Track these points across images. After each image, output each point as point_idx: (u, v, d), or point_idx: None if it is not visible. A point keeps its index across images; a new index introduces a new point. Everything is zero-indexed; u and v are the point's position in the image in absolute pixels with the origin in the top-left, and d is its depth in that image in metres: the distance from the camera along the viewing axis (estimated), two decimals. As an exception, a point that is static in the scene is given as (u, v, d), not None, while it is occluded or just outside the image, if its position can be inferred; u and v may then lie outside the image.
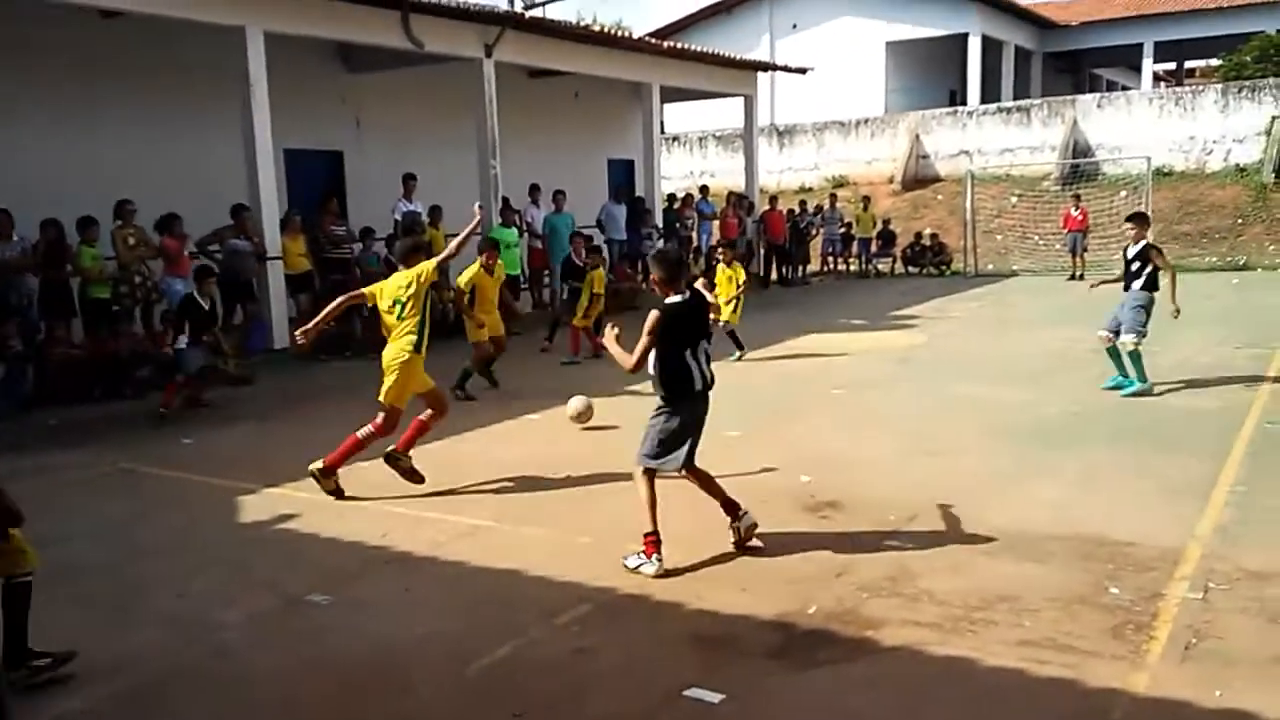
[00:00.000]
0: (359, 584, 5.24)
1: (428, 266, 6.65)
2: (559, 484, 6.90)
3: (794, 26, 33.12)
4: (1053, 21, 34.78)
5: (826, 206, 22.44)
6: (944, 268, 22.47)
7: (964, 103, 31.48)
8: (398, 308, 6.62)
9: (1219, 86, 26.13)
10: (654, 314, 5.23)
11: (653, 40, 20.27)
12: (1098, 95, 28.55)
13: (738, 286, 12.00)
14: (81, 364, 10.42)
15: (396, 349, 6.68)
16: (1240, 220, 22.87)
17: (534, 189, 16.34)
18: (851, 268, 23.05)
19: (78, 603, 5.02)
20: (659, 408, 5.42)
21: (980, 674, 4.06)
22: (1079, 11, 35.39)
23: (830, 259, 22.78)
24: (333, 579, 5.27)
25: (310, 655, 4.43)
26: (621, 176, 21.17)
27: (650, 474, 5.37)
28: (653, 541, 5.24)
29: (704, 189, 21.91)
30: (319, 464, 6.66)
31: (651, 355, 5.28)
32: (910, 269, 22.66)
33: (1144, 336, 9.15)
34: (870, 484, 6.62)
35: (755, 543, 5.52)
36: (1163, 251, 9.39)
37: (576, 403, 7.87)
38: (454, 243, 6.91)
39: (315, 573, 5.37)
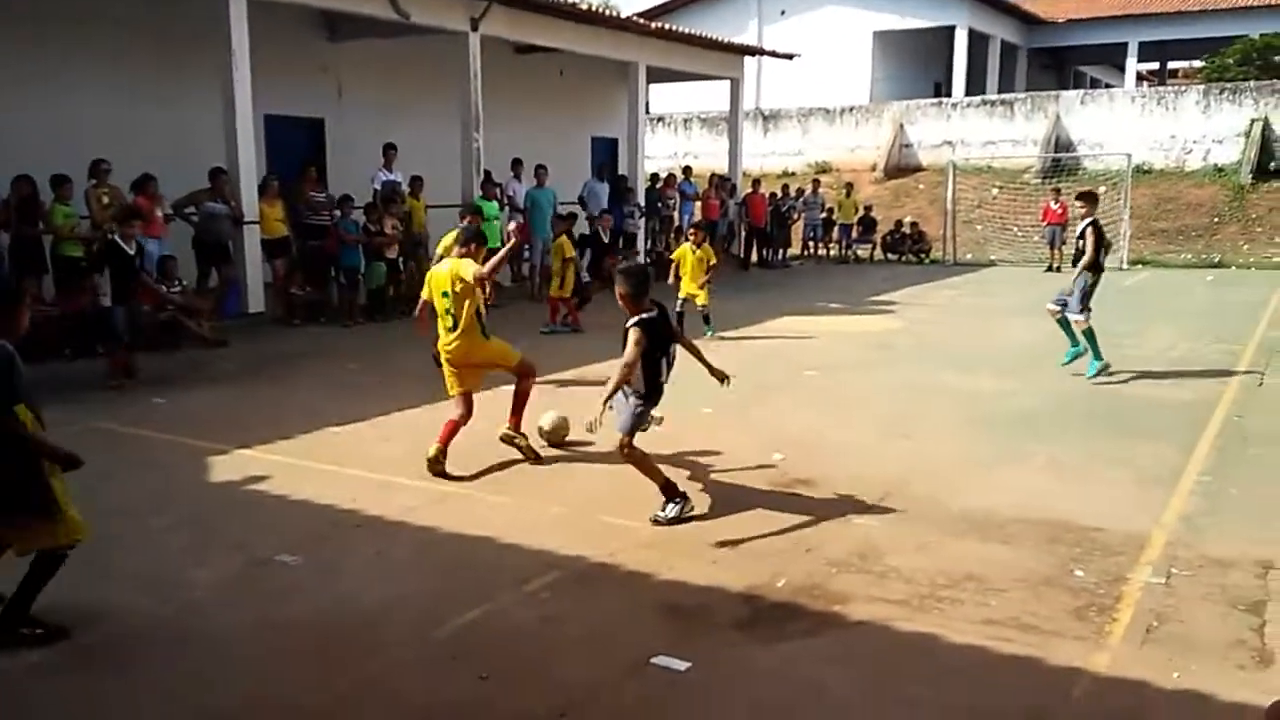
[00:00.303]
0: (329, 546, 5.22)
1: (467, 276, 6.35)
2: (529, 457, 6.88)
3: (782, 13, 33.05)
4: (1039, 18, 34.89)
5: (809, 191, 22.47)
6: (923, 256, 22.58)
7: (949, 94, 31.57)
8: (447, 300, 6.43)
9: (1201, 88, 26.32)
10: (636, 330, 5.60)
11: (640, 20, 20.16)
12: (1081, 92, 28.70)
13: (707, 269, 11.93)
14: (52, 322, 10.30)
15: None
16: (1217, 219, 23.10)
17: (516, 163, 16.24)
18: (832, 253, 23.12)
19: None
20: (636, 399, 5.74)
21: (945, 650, 4.10)
22: (1065, 9, 35.50)
23: (811, 243, 22.85)
24: (303, 541, 5.25)
25: (279, 615, 4.42)
26: (605, 154, 21.10)
27: (631, 444, 5.68)
28: (668, 487, 5.66)
29: (687, 169, 21.87)
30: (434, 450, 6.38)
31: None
32: (890, 256, 22.76)
33: (1089, 314, 9.49)
34: (842, 464, 6.66)
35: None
36: (1098, 229, 9.64)
37: (550, 418, 7.41)
38: (493, 261, 6.51)
39: (285, 534, 5.35)
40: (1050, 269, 20.12)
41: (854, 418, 8.02)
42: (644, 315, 5.67)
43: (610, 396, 5.59)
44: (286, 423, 7.56)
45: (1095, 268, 9.50)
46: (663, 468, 5.80)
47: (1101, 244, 9.58)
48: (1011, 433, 7.53)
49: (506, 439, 6.79)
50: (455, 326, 6.43)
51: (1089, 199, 9.95)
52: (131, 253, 9.23)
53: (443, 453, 6.40)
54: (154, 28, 13.02)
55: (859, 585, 4.70)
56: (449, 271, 6.46)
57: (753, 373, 9.91)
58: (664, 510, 5.60)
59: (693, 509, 5.66)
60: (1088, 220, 9.64)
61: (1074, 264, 9.65)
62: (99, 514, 5.58)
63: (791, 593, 4.62)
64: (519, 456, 6.76)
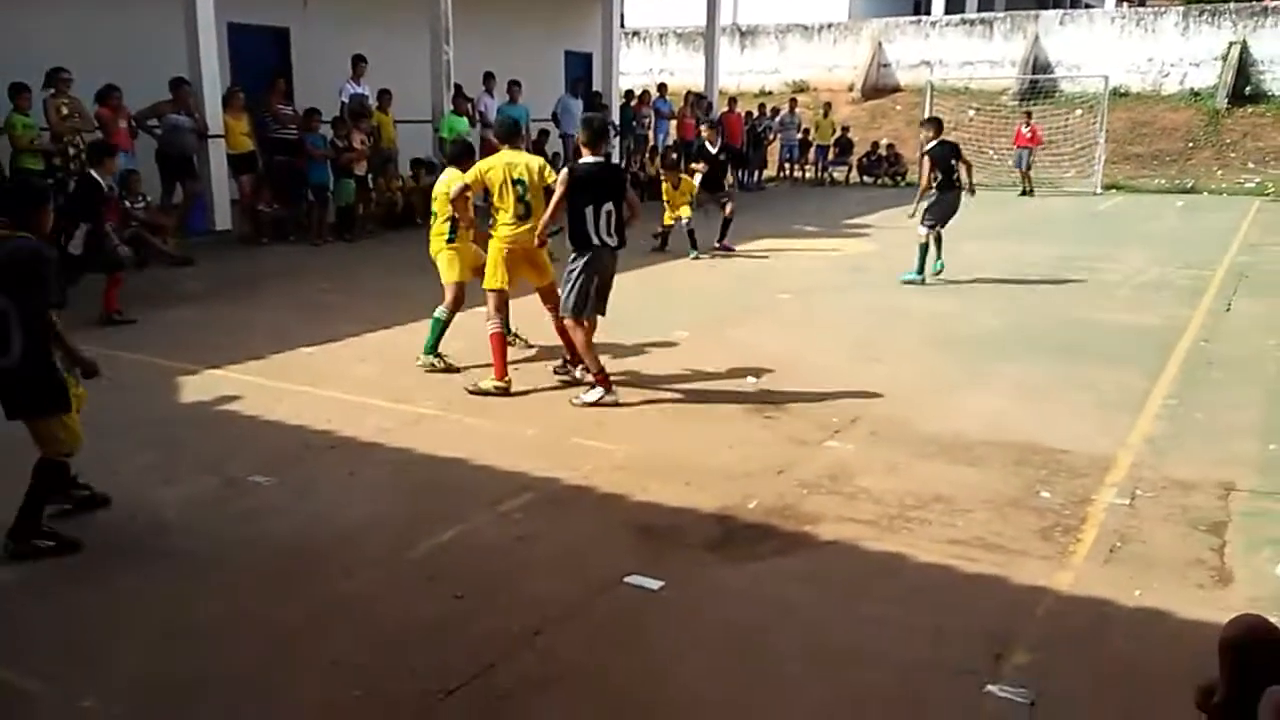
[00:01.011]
0: (301, 467, 5.21)
1: (550, 178, 6.29)
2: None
3: (761, -77, 32.24)
4: (1022, -68, 34.28)
5: (785, 112, 22.19)
6: (899, 178, 22.47)
7: (928, 12, 31.10)
8: (520, 188, 6.31)
9: (1180, 9, 26.10)
10: (564, 171, 6.09)
11: (616, -72, 19.61)
12: (1061, 11, 28.37)
13: (690, 193, 12.18)
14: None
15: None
16: (1191, 144, 23.11)
17: (488, 77, 15.88)
18: (808, 175, 22.95)
19: (11, 477, 4.91)
20: (570, 261, 6.17)
21: (913, 569, 4.17)
22: (1049, -76, 34.89)
23: (787, 165, 22.65)
24: (275, 462, 5.23)
25: (250, 535, 4.42)
26: (579, 70, 20.67)
27: (577, 322, 6.20)
28: (601, 375, 6.20)
29: (662, 87, 21.49)
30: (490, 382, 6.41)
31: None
32: (865, 178, 22.62)
33: (931, 228, 10.42)
34: (815, 387, 6.69)
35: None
36: (927, 159, 10.53)
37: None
38: (550, 210, 6.25)
39: (257, 455, 5.32)
40: (1023, 193, 20.09)
41: (827, 341, 8.05)
42: (586, 160, 6.14)
43: (541, 229, 6.20)
44: (257, 343, 7.48)
45: (942, 187, 10.37)
46: (634, 390, 5.82)
47: (938, 169, 10.38)
48: (981, 356, 7.59)
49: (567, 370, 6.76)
50: (527, 216, 6.30)
51: (931, 124, 10.87)
52: (107, 190, 8.88)
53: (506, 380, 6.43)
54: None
55: (829, 506, 4.76)
56: (527, 163, 6.37)
57: (727, 296, 9.91)
58: (588, 393, 6.20)
59: (615, 401, 6.20)
60: (928, 146, 10.53)
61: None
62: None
63: (763, 514, 4.67)
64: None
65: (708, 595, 3.95)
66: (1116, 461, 5.39)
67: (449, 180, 6.85)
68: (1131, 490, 4.99)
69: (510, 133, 6.65)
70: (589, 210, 6.01)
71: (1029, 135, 20.22)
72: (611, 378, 6.33)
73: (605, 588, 3.97)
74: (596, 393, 6.17)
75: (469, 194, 6.53)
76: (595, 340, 6.35)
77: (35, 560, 4.14)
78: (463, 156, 7.20)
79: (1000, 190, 20.74)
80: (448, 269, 7.00)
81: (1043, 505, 4.81)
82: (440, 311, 6.94)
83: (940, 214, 10.41)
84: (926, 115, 22.23)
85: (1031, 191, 20.18)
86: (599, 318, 6.38)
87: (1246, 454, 5.54)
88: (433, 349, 6.94)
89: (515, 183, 6.29)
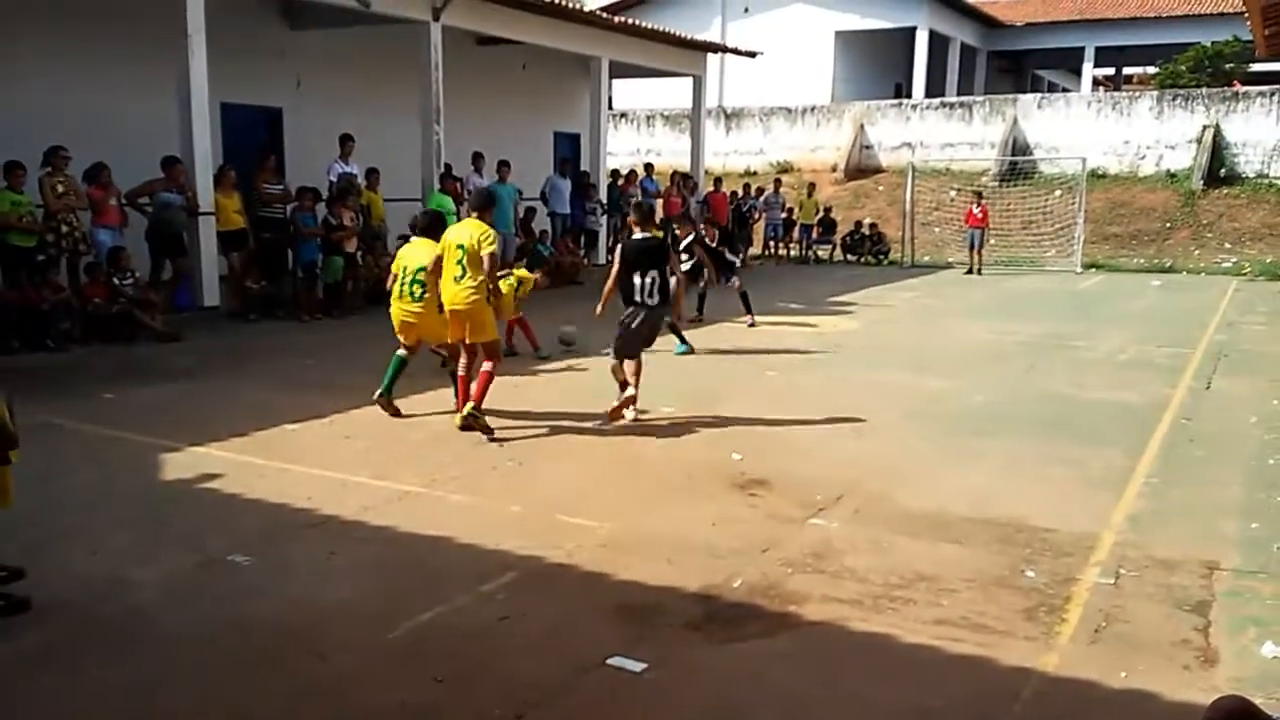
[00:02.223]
0: (281, 546, 5.16)
1: (487, 249, 7.03)
2: (491, 453, 6.86)
3: (745, 10, 33.18)
4: (999, 21, 35.36)
5: (770, 191, 22.57)
6: (882, 257, 22.79)
7: (909, 96, 31.86)
8: (461, 253, 7.10)
9: (1155, 93, 26.80)
10: (618, 247, 7.60)
11: (604, 14, 20.14)
12: (1038, 95, 29.11)
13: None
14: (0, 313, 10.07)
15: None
16: (1169, 224, 23.54)
17: (477, 157, 16.13)
18: (792, 253, 23.25)
19: None
20: (622, 316, 7.52)
21: (898, 650, 4.14)
22: (1024, 13, 36.02)
23: (772, 243, 22.95)
24: (255, 540, 5.18)
25: (227, 617, 4.36)
26: (567, 150, 21.06)
27: (619, 362, 7.53)
28: (631, 400, 7.43)
29: (649, 166, 21.88)
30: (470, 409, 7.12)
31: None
32: (849, 257, 22.94)
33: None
34: (799, 464, 6.70)
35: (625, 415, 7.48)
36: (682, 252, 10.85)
37: (568, 329, 9.49)
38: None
39: (237, 533, 5.27)
40: (969, 271, 20.40)
41: (811, 417, 8.06)
42: (637, 235, 7.54)
43: (603, 303, 7.79)
44: (241, 419, 7.46)
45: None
46: (618, 465, 5.81)
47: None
48: (964, 433, 7.62)
49: (471, 419, 7.17)
50: (463, 277, 7.03)
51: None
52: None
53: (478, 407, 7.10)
54: (107, 11, 12.75)
55: (814, 585, 4.73)
56: (471, 231, 7.09)
57: (713, 372, 9.95)
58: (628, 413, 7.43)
59: (631, 418, 7.48)
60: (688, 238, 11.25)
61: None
62: (44, 510, 5.51)
63: (747, 593, 4.64)
64: (477, 456, 6.74)
65: (691, 676, 3.91)
66: (1100, 540, 5.39)
67: (430, 250, 7.30)
68: (1115, 569, 4.99)
69: (482, 204, 7.37)
70: (635, 276, 7.41)
71: (979, 215, 20.61)
72: (603, 441, 6.33)
73: (587, 669, 3.92)
74: (629, 412, 7.52)
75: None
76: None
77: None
78: (434, 227, 7.65)
79: (985, 270, 21.08)
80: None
81: (1027, 585, 4.80)
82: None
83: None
84: (908, 196, 22.87)
85: (980, 271, 20.48)
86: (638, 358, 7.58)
87: (1228, 533, 5.55)
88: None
89: (457, 247, 7.05)
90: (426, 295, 7.30)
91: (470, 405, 7.12)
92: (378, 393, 7.63)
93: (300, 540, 5.24)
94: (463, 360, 7.38)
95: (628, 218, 7.77)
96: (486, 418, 7.19)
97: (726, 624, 4.35)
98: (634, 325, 7.44)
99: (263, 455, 6.67)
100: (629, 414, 7.50)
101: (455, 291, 7.07)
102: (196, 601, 4.50)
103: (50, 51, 12.42)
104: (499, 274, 9.18)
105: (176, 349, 10.50)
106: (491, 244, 7.02)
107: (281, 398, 8.27)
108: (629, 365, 7.48)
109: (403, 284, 7.43)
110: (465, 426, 7.15)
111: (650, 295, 7.43)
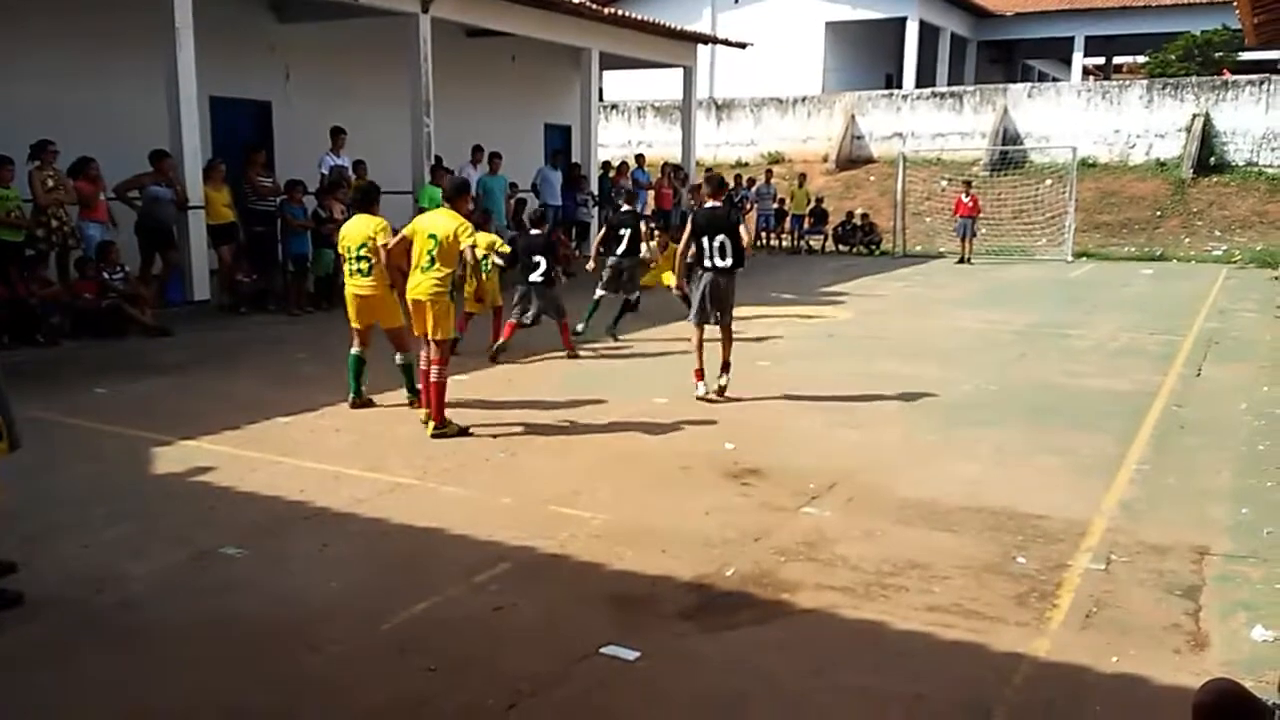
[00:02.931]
0: (274, 539, 5.15)
1: (464, 240, 6.83)
2: (483, 445, 6.85)
3: (735, 1, 33.10)
4: (988, 10, 35.32)
5: (761, 182, 22.57)
6: (873, 247, 22.80)
7: (899, 86, 31.86)
8: (432, 243, 6.87)
9: (1144, 82, 26.84)
10: (689, 217, 8.18)
11: (593, 5, 20.07)
12: (1029, 85, 29.12)
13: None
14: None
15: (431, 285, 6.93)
16: (1159, 213, 23.59)
17: (477, 150, 16.00)
18: (784, 244, 23.25)
19: None
20: (694, 281, 8.22)
21: (890, 637, 4.15)
22: (1014, 2, 35.99)
23: (763, 234, 22.95)
24: (247, 533, 5.17)
25: (219, 609, 4.35)
26: (558, 142, 21.02)
27: (695, 325, 8.18)
28: (699, 372, 8.13)
29: (640, 158, 21.84)
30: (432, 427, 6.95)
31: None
32: (841, 247, 22.95)
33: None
34: (791, 453, 6.71)
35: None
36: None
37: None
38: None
39: (229, 526, 5.27)
40: (961, 260, 20.46)
41: (803, 407, 8.09)
42: (700, 207, 8.27)
43: (678, 273, 8.76)
44: (232, 413, 7.44)
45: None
46: (610, 456, 5.81)
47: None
48: (956, 422, 7.64)
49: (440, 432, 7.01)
50: (430, 267, 6.83)
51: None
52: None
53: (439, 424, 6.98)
54: (94, 4, 12.69)
55: (807, 573, 4.74)
56: (446, 222, 6.85)
57: (707, 364, 9.93)
58: (700, 389, 8.11)
59: (704, 395, 8.07)
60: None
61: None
62: (36, 505, 5.50)
63: (740, 582, 4.65)
64: (469, 448, 6.74)
65: (684, 665, 3.91)
66: (1091, 526, 5.41)
67: (376, 225, 7.33)
68: (1106, 555, 5.01)
69: (454, 193, 7.16)
70: (705, 241, 7.93)
71: (970, 204, 20.69)
72: (596, 432, 6.34)
73: (581, 659, 3.92)
74: (698, 387, 8.11)
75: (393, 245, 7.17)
76: (577, 398, 6.36)
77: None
78: (367, 200, 7.65)
79: (975, 259, 21.11)
80: (397, 312, 7.38)
81: (1019, 571, 4.82)
82: (401, 357, 7.58)
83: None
84: (900, 186, 22.91)
85: (969, 260, 20.56)
86: (718, 326, 8.16)
87: (1219, 518, 5.57)
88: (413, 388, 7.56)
89: (429, 236, 6.83)
90: (375, 270, 7.24)
91: (432, 426, 6.91)
92: (349, 400, 7.71)
93: (293, 533, 5.23)
94: (424, 353, 7.12)
95: (699, 190, 8.70)
96: (466, 420, 7.18)
97: (719, 613, 4.36)
98: (705, 289, 8.01)
99: (255, 448, 6.66)
100: (724, 381, 8.15)
101: (419, 281, 6.86)
102: (189, 595, 4.49)
103: (38, 46, 12.37)
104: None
105: (167, 343, 10.47)
106: (470, 235, 6.79)
107: (273, 391, 8.26)
108: (698, 334, 8.15)
109: (349, 263, 7.39)
110: (436, 437, 6.93)
111: (722, 257, 7.92)
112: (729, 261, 7.96)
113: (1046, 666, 3.93)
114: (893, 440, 7.14)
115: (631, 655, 3.94)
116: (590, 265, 9.48)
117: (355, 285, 7.40)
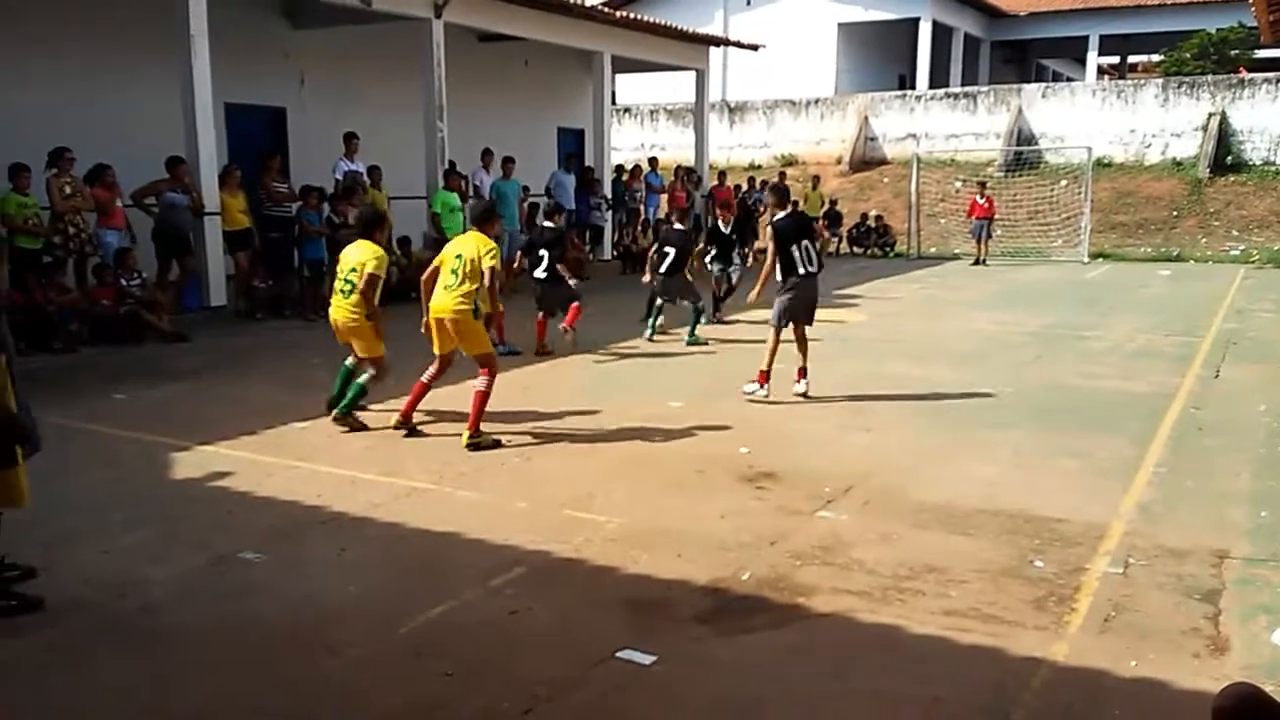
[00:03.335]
0: (292, 543, 5.18)
1: (488, 264, 6.90)
2: (498, 450, 6.86)
3: (748, 3, 33.10)
4: (1002, 10, 35.18)
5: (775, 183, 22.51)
6: (888, 249, 22.74)
7: (913, 87, 31.77)
8: (459, 262, 6.95)
9: (1159, 81, 26.69)
10: (770, 227, 8.16)
11: (606, 9, 20.11)
12: (1043, 85, 29.00)
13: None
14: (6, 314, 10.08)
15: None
16: (1175, 213, 23.45)
17: (486, 153, 16.09)
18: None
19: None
20: (779, 289, 8.14)
21: (907, 641, 4.14)
22: (1028, 2, 35.84)
23: (776, 237, 22.86)
24: (265, 538, 5.20)
25: (238, 614, 4.37)
26: (571, 145, 21.03)
27: (776, 330, 8.17)
28: (764, 375, 8.17)
29: (653, 161, 21.85)
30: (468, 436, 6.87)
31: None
32: (855, 249, 22.90)
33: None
34: (806, 456, 6.70)
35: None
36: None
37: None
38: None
39: (247, 531, 5.29)
40: (976, 262, 20.39)
41: (818, 410, 8.07)
42: (780, 215, 8.18)
43: (762, 283, 8.28)
44: (249, 418, 7.48)
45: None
46: (625, 460, 5.81)
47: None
48: (972, 424, 7.61)
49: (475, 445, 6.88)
50: (456, 286, 6.87)
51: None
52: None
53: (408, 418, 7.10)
54: (109, 10, 12.77)
55: (823, 577, 4.73)
56: (476, 244, 6.96)
57: (720, 366, 9.95)
58: (750, 385, 8.21)
59: (765, 397, 8.13)
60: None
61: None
62: (56, 511, 5.53)
63: (756, 585, 4.64)
64: (486, 452, 6.75)
65: (700, 669, 3.91)
66: (1109, 529, 5.38)
67: (371, 253, 7.15)
68: (1125, 559, 4.98)
69: (481, 217, 7.35)
70: (793, 249, 8.08)
71: (985, 205, 20.65)
72: (611, 437, 6.34)
73: (597, 663, 3.93)
74: (755, 387, 8.19)
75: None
76: (597, 406, 6.36)
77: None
78: (371, 226, 7.44)
79: (990, 260, 21.03)
80: (374, 344, 7.23)
81: (1036, 575, 4.79)
82: (364, 378, 7.32)
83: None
84: (914, 187, 22.84)
85: (985, 261, 20.51)
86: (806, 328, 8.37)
87: (1238, 521, 5.54)
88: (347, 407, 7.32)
89: (455, 257, 6.95)
90: (355, 295, 7.10)
91: (467, 436, 6.85)
92: (328, 404, 7.47)
93: (310, 537, 5.25)
94: (432, 370, 7.21)
95: (764, 202, 8.72)
96: (483, 426, 7.03)
97: (735, 617, 4.36)
98: (795, 295, 8.10)
99: (271, 453, 6.69)
100: (805, 387, 8.30)
101: (443, 299, 6.90)
102: (208, 599, 4.52)
103: (54, 54, 12.45)
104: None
105: (184, 349, 10.53)
106: (494, 258, 6.89)
107: (289, 396, 8.29)
108: (775, 338, 8.19)
109: (336, 281, 7.34)
110: (470, 448, 6.86)
111: (810, 264, 8.15)
112: (815, 268, 8.18)
113: (1065, 671, 3.91)
114: (908, 443, 7.12)
115: (647, 659, 3.94)
116: (645, 279, 10.19)
117: (335, 304, 7.30)
